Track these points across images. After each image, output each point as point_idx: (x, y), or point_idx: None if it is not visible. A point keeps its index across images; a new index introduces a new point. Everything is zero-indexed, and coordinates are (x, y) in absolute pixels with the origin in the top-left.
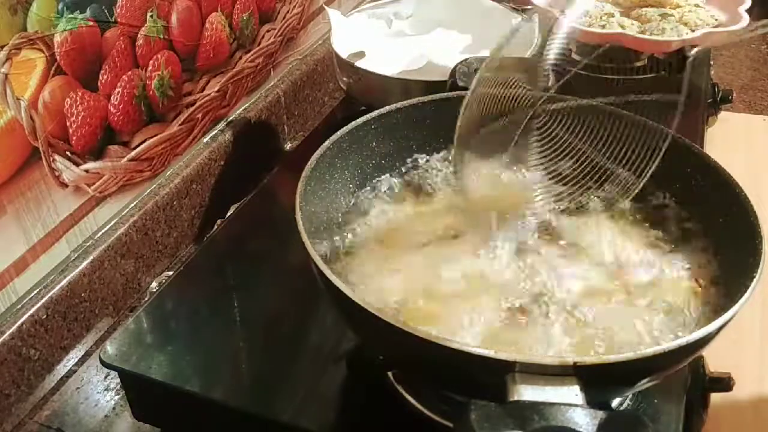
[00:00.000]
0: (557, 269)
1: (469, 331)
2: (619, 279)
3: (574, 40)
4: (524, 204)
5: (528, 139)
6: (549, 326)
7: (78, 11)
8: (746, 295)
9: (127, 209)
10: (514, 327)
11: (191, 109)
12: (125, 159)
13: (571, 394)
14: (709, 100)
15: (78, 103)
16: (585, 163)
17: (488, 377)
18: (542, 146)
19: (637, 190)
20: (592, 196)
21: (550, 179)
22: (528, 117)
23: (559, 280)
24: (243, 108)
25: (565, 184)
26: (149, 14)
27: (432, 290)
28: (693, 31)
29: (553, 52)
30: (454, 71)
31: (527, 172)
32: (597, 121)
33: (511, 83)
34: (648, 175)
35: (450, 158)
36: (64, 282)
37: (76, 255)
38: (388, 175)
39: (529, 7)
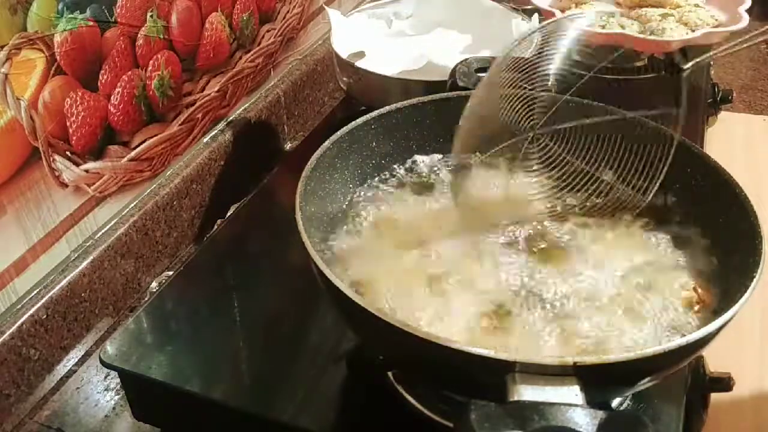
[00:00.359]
0: (550, 271)
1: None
2: (615, 281)
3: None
4: (524, 209)
5: (531, 145)
6: (534, 328)
7: (78, 11)
8: (746, 295)
9: (127, 209)
10: (494, 329)
11: (191, 109)
12: (125, 159)
13: (571, 394)
14: (709, 100)
15: (78, 103)
16: (592, 170)
17: (488, 377)
18: (545, 152)
19: (648, 198)
20: (597, 203)
21: (553, 185)
22: (530, 124)
23: (550, 281)
24: (243, 108)
25: (569, 191)
26: (149, 14)
27: (420, 286)
28: (693, 31)
29: (557, 58)
30: (454, 71)
31: (528, 178)
32: (603, 128)
33: (516, 85)
34: (658, 182)
35: (449, 159)
36: (64, 282)
37: (76, 255)
38: (387, 175)
39: (529, 7)
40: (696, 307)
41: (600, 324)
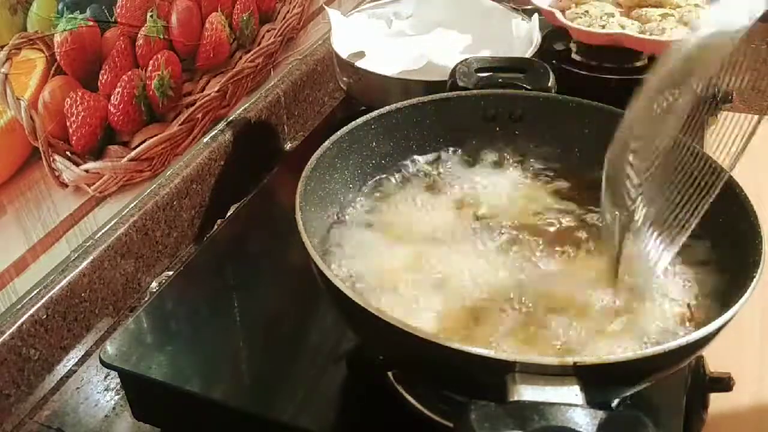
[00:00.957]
0: (545, 271)
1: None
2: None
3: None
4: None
5: None
6: (508, 325)
7: (78, 11)
8: (746, 295)
9: (127, 209)
10: (474, 323)
11: (191, 109)
12: (125, 159)
13: (571, 394)
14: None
15: (78, 103)
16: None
17: (488, 377)
18: None
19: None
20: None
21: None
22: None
23: (543, 282)
24: (243, 108)
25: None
26: (149, 14)
27: (419, 284)
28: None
29: None
30: (454, 71)
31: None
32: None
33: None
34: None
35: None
36: (64, 282)
37: (76, 255)
38: (388, 175)
39: (529, 7)
40: (687, 324)
41: (584, 328)
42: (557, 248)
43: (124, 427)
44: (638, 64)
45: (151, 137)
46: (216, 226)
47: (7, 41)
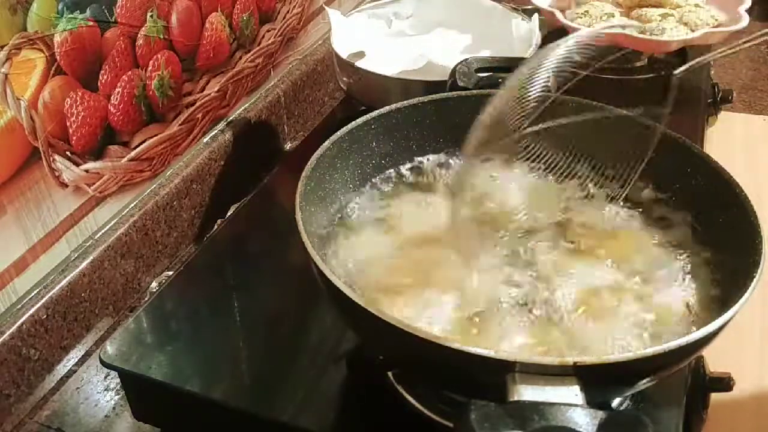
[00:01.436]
0: (544, 274)
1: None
2: (610, 283)
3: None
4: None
5: (524, 140)
6: (515, 325)
7: (78, 11)
8: (746, 295)
9: (127, 209)
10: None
11: (191, 109)
12: (125, 159)
13: (571, 394)
14: (709, 100)
15: (78, 103)
16: (580, 161)
17: (488, 377)
18: (537, 148)
19: (629, 185)
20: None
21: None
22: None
23: (542, 285)
24: (243, 108)
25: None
26: (149, 14)
27: (418, 285)
28: (693, 31)
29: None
30: (454, 71)
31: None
32: (590, 120)
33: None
34: (639, 170)
35: (451, 159)
36: (64, 282)
37: (76, 255)
38: (388, 175)
39: (529, 7)
40: (691, 319)
41: (587, 330)
42: (564, 244)
43: (124, 427)
44: (638, 64)
45: (151, 137)
46: (216, 226)
47: (7, 41)
